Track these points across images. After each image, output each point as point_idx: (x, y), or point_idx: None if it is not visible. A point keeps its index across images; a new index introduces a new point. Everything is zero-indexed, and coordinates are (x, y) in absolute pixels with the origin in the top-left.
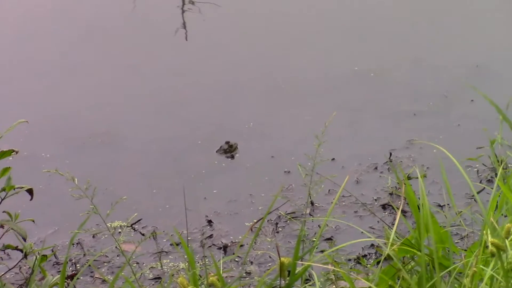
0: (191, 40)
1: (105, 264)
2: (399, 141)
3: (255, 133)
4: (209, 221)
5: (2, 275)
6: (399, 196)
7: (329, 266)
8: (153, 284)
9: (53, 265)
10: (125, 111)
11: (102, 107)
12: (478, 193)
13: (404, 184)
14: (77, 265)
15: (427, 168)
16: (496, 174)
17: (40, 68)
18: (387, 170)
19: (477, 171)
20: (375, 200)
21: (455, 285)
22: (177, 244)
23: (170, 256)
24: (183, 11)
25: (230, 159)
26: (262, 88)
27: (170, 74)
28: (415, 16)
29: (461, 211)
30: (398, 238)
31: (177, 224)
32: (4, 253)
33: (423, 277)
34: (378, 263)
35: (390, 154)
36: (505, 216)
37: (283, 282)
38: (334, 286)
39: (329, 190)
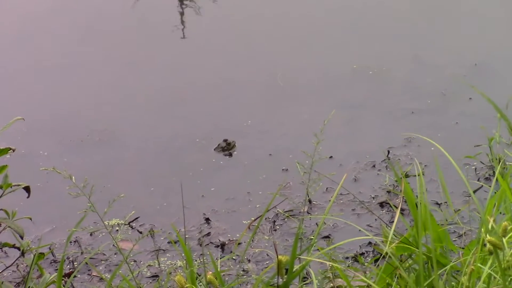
0: (189, 38)
1: (103, 262)
2: (397, 139)
3: (253, 131)
4: (207, 219)
5: (0, 273)
6: (397, 194)
7: (327, 264)
8: (150, 282)
9: (51, 263)
10: (123, 109)
11: (100, 106)
12: (476, 191)
13: (402, 182)
14: (75, 263)
15: (425, 166)
16: (494, 172)
17: (39, 66)
18: (385, 168)
19: (475, 169)
20: (373, 198)
21: (453, 283)
22: (175, 242)
23: (167, 254)
24: (181, 10)
25: (228, 157)
26: (261, 86)
27: (168, 73)
28: (414, 14)
29: (459, 210)
30: (396, 236)
31: (175, 222)
32: (1, 251)
33: (421, 275)
34: (376, 261)
35: (388, 152)
36: (503, 214)
37: (281, 280)
38: (331, 284)
39: (327, 188)
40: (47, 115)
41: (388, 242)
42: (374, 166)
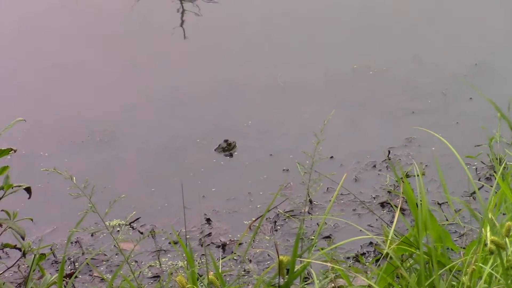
0: (190, 38)
1: (104, 262)
2: (398, 139)
3: (254, 131)
4: (208, 220)
5: (1, 274)
6: (398, 194)
7: (328, 264)
8: (151, 283)
9: (52, 263)
10: (124, 110)
11: (101, 106)
12: (475, 192)
13: (403, 182)
14: (76, 264)
15: (426, 166)
16: (495, 172)
17: (39, 66)
18: (385, 168)
19: (476, 169)
20: (374, 198)
21: (454, 283)
22: (176, 243)
23: (168, 255)
24: (181, 10)
25: (228, 157)
26: (261, 86)
27: (169, 73)
28: (414, 14)
29: (460, 209)
30: (396, 236)
31: (176, 222)
32: (3, 252)
33: (422, 275)
34: (377, 261)
35: (389, 152)
36: (504, 214)
37: (282, 280)
38: (332, 284)
39: (327, 188)
40: (48, 115)
41: (389, 242)
42: (374, 166)
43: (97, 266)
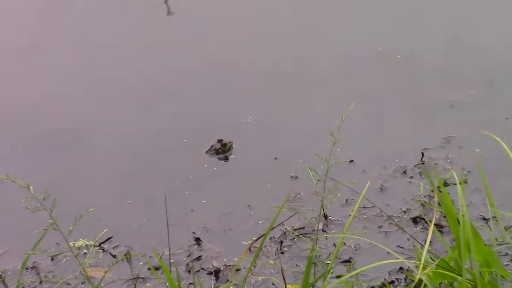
0: (176, 14)
1: None
2: (433, 139)
3: (255, 129)
4: (197, 239)
5: None
6: (433, 207)
7: None
8: None
9: None
10: (96, 102)
11: (67, 97)
12: None
13: (440, 192)
14: None
15: (468, 172)
16: None
17: None
18: (418, 174)
19: None
20: (404, 212)
21: None
22: (157, 269)
23: (148, 284)
24: None
25: (223, 161)
26: (264, 73)
27: (151, 57)
28: None
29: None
30: (432, 259)
31: (157, 243)
32: None
33: None
34: None
35: (422, 154)
36: None
37: None
38: None
39: (346, 200)
40: (0, 109)
41: (423, 266)
42: (404, 172)
43: None
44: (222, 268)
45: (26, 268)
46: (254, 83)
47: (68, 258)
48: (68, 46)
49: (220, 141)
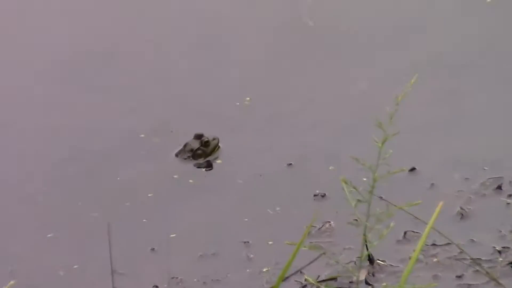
0: None
1: None
2: None
3: (254, 116)
4: None
5: None
6: None
7: None
8: None
9: None
10: (5, 80)
11: None
12: None
13: None
14: None
15: None
16: None
17: None
18: None
19: None
20: (499, 252)
21: None
22: None
23: None
24: None
25: (204, 169)
26: (271, 27)
27: (95, 15)
28: None
29: None
30: None
31: None
32: None
33: None
34: None
35: None
36: None
37: None
38: None
39: (405, 234)
40: None
41: None
42: (499, 187)
43: None
44: None
45: None
46: (257, 42)
47: None
48: None
49: (199, 137)
